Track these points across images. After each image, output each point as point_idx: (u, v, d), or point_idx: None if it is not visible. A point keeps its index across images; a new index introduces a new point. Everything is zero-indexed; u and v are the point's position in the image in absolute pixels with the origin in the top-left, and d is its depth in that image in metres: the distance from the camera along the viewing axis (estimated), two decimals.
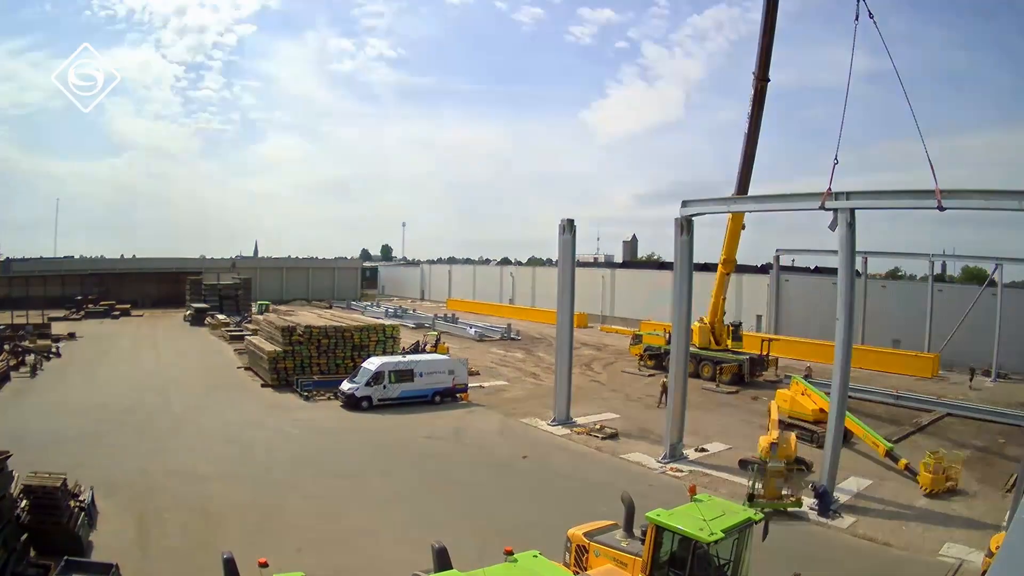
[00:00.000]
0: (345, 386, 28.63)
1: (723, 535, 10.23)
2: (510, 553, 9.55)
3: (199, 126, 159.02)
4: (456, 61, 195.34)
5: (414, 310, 69.79)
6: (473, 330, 53.76)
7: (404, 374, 28.62)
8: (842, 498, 18.20)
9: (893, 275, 62.03)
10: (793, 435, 20.88)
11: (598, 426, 25.05)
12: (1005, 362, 38.02)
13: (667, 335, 29.82)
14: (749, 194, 21.47)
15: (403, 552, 14.10)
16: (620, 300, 64.33)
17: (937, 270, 49.41)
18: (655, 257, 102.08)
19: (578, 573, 11.41)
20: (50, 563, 12.85)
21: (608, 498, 18.34)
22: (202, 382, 33.31)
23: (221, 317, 56.50)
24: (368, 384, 27.97)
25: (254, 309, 59.71)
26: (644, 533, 11.13)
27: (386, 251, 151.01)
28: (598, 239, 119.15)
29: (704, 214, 21.52)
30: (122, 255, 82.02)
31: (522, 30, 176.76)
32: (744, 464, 20.64)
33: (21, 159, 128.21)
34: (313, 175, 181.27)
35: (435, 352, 36.10)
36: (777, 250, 51.01)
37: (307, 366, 32.41)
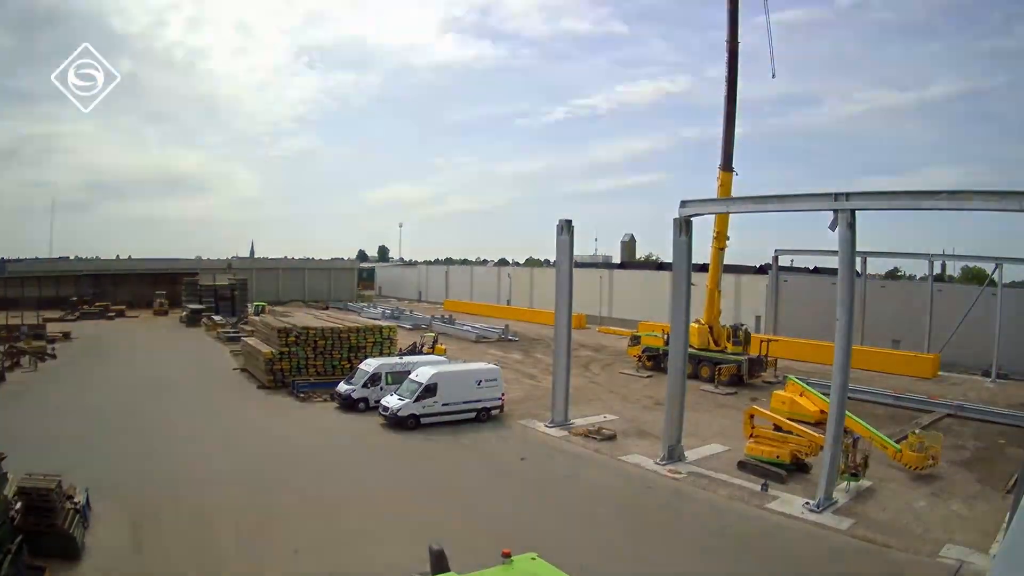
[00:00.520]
0: (342, 388, 28.46)
1: None
2: (508, 555, 9.44)
3: None
4: None
5: (411, 311, 69.62)
6: (471, 331, 53.64)
7: (401, 376, 28.44)
8: (841, 499, 18.13)
9: (893, 275, 62.10)
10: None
11: (596, 428, 24.94)
12: (1005, 362, 37.95)
13: (665, 336, 29.71)
14: (749, 195, 21.43)
15: (400, 553, 13.99)
16: (618, 301, 64.26)
17: (937, 270, 49.45)
18: (654, 257, 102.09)
19: None
20: (44, 565, 12.86)
21: (607, 500, 18.35)
22: (198, 383, 33.17)
23: (217, 318, 56.31)
24: (365, 386, 27.81)
25: (250, 310, 59.46)
26: None
27: (383, 252, 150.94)
28: (596, 239, 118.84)
29: (703, 214, 21.46)
30: (117, 256, 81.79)
31: None
32: (743, 466, 20.58)
33: None
34: None
35: (432, 354, 35.96)
36: (776, 250, 50.94)
37: (303, 367, 32.25)
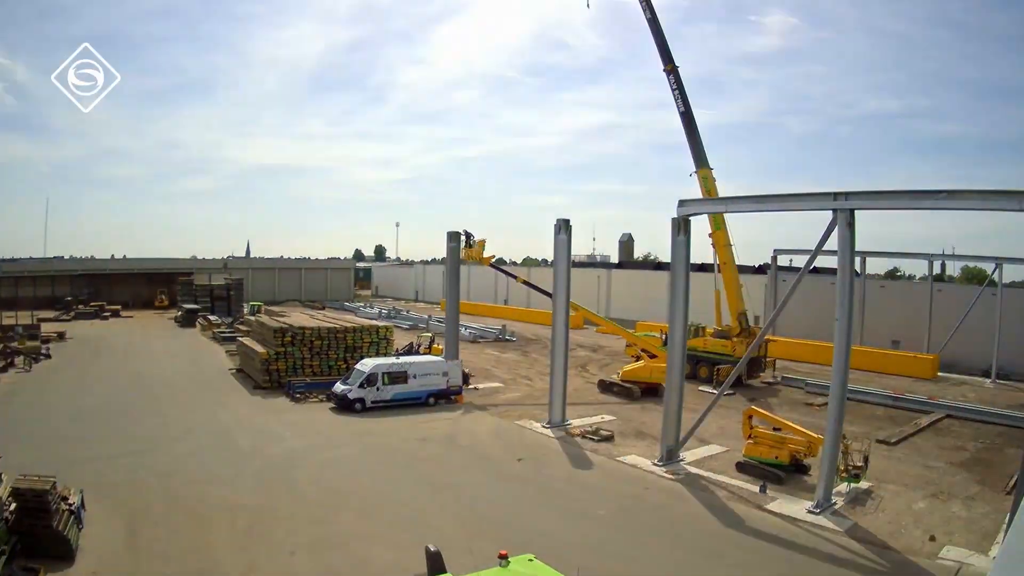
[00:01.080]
0: (338, 388, 28.31)
1: None
2: (504, 557, 9.33)
3: None
4: None
5: (408, 311, 69.45)
6: (467, 331, 53.45)
7: (398, 376, 28.31)
8: (841, 501, 18.05)
9: (892, 275, 62.13)
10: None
11: (594, 428, 24.84)
12: (1005, 363, 37.90)
13: (663, 336, 29.66)
14: (749, 194, 21.32)
15: (396, 555, 13.91)
16: (616, 301, 64.17)
17: (936, 270, 49.39)
18: (652, 257, 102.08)
19: None
20: (39, 567, 12.79)
21: (604, 501, 18.22)
22: (193, 384, 32.96)
23: (213, 318, 56.02)
24: (361, 386, 27.65)
25: (246, 310, 59.20)
26: None
27: (379, 251, 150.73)
28: (594, 239, 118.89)
29: (701, 213, 21.35)
30: (112, 255, 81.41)
31: None
32: (741, 467, 20.48)
33: None
34: None
35: (429, 353, 35.80)
36: (775, 250, 50.79)
37: (300, 368, 32.06)
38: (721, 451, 22.73)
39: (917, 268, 52.40)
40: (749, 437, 21.19)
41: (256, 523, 15.81)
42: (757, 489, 18.90)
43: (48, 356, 39.13)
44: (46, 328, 47.79)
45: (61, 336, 46.89)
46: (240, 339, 40.25)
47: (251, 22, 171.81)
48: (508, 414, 27.88)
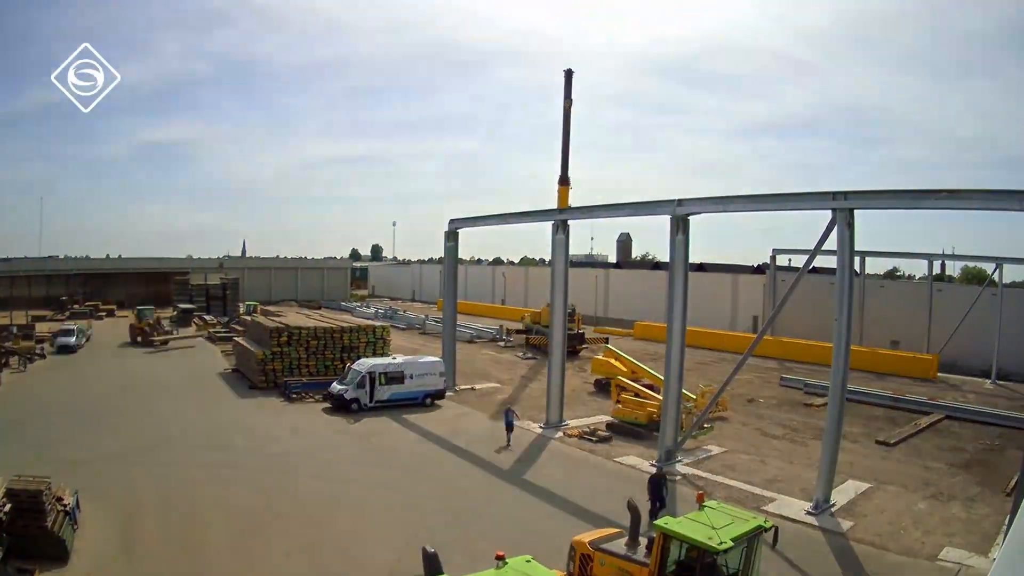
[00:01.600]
0: (335, 388, 28.13)
1: (732, 544, 9.93)
2: (502, 558, 9.26)
3: None
4: None
5: (405, 311, 69.27)
6: (465, 331, 53.25)
7: (395, 376, 28.14)
8: (840, 501, 17.94)
9: (892, 275, 62.10)
10: None
11: (591, 429, 24.73)
12: (1005, 363, 37.80)
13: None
14: (747, 193, 21.16)
15: (394, 557, 13.79)
16: (614, 301, 64.08)
17: (936, 270, 49.29)
18: (650, 257, 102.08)
19: None
20: (33, 568, 12.75)
21: (602, 502, 18.08)
22: (188, 384, 32.78)
23: (208, 318, 55.77)
24: (359, 386, 27.49)
25: (241, 310, 58.95)
26: (651, 542, 10.79)
27: (376, 251, 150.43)
28: (592, 238, 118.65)
29: (699, 213, 21.19)
30: (107, 255, 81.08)
31: None
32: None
33: None
34: None
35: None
36: (773, 250, 50.78)
37: (296, 368, 31.89)
38: (720, 451, 22.78)
39: (917, 268, 52.35)
40: (617, 402, 25.99)
41: (251, 524, 15.69)
42: (755, 490, 18.80)
43: (43, 356, 38.93)
44: (41, 328, 47.57)
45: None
46: (236, 339, 40.05)
47: None
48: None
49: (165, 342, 45.25)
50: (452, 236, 32.47)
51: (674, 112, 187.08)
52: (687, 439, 21.93)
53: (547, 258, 37.62)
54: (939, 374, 38.79)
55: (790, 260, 50.45)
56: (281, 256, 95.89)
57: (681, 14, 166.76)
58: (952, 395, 32.97)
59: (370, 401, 27.54)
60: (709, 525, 10.22)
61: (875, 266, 60.18)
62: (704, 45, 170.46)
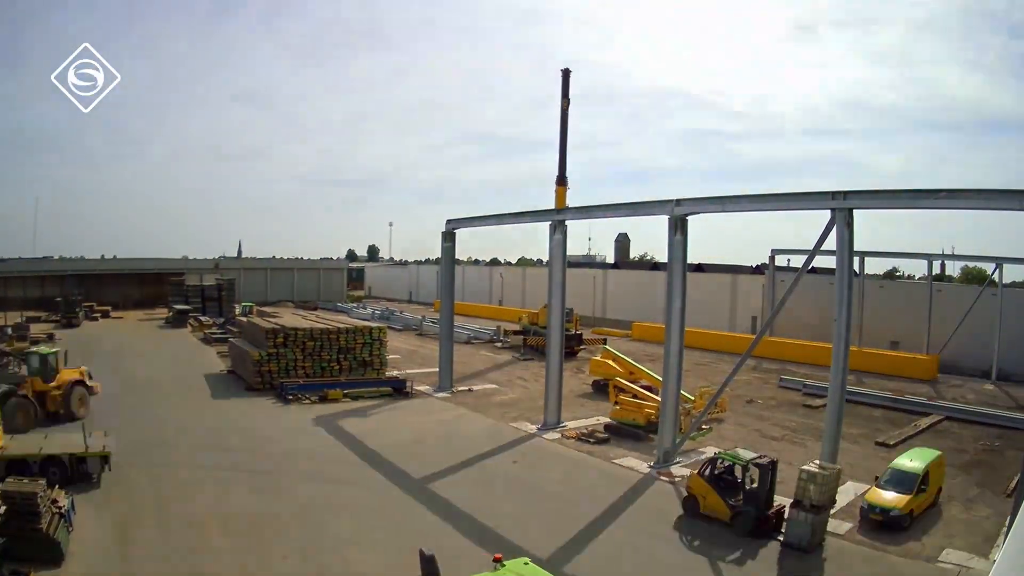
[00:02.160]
0: None
1: None
2: (499, 560, 9.16)
3: None
4: None
5: (402, 312, 69.06)
6: (462, 332, 53.12)
7: None
8: (840, 503, 17.84)
9: (891, 275, 62.11)
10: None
11: (589, 430, 24.64)
12: (1006, 364, 37.74)
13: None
14: (746, 193, 21.13)
15: (391, 559, 13.67)
16: (612, 302, 63.98)
17: (936, 270, 49.25)
18: (648, 257, 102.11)
19: None
20: (27, 570, 12.68)
21: (600, 503, 18.00)
22: (184, 385, 32.54)
23: (204, 319, 55.49)
24: None
25: (237, 311, 58.69)
26: None
27: (373, 251, 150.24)
28: (589, 239, 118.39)
29: (698, 213, 21.12)
30: (102, 255, 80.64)
31: None
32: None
33: None
34: None
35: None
36: (772, 250, 50.63)
37: (292, 369, 31.72)
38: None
39: (917, 268, 52.25)
40: (616, 403, 25.81)
41: (247, 527, 15.55)
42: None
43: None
44: (35, 329, 47.30)
45: (51, 337, 46.25)
46: (232, 340, 39.84)
47: None
48: (503, 416, 27.65)
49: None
50: (449, 237, 32.37)
51: None
52: (685, 440, 21.82)
53: (544, 259, 37.59)
54: (939, 374, 38.71)
55: (789, 260, 50.39)
56: (277, 257, 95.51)
57: None
58: (952, 396, 32.93)
59: None
60: None
61: (875, 266, 60.26)
62: None
